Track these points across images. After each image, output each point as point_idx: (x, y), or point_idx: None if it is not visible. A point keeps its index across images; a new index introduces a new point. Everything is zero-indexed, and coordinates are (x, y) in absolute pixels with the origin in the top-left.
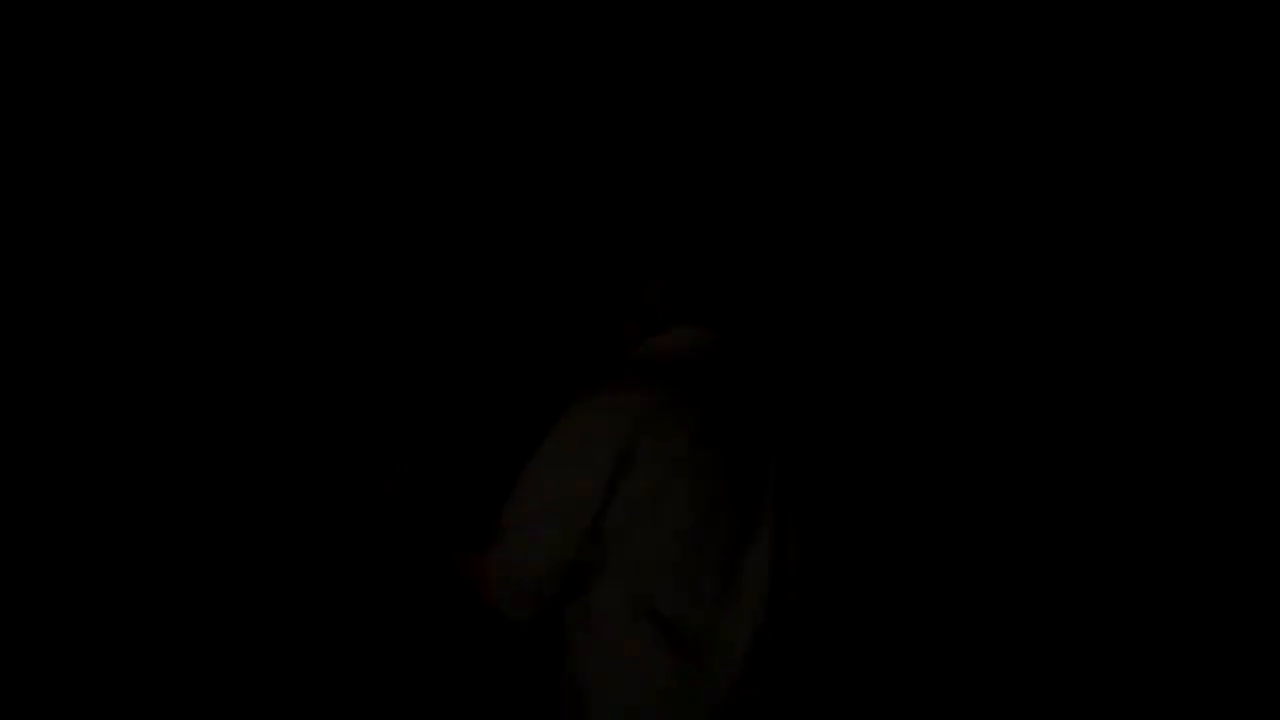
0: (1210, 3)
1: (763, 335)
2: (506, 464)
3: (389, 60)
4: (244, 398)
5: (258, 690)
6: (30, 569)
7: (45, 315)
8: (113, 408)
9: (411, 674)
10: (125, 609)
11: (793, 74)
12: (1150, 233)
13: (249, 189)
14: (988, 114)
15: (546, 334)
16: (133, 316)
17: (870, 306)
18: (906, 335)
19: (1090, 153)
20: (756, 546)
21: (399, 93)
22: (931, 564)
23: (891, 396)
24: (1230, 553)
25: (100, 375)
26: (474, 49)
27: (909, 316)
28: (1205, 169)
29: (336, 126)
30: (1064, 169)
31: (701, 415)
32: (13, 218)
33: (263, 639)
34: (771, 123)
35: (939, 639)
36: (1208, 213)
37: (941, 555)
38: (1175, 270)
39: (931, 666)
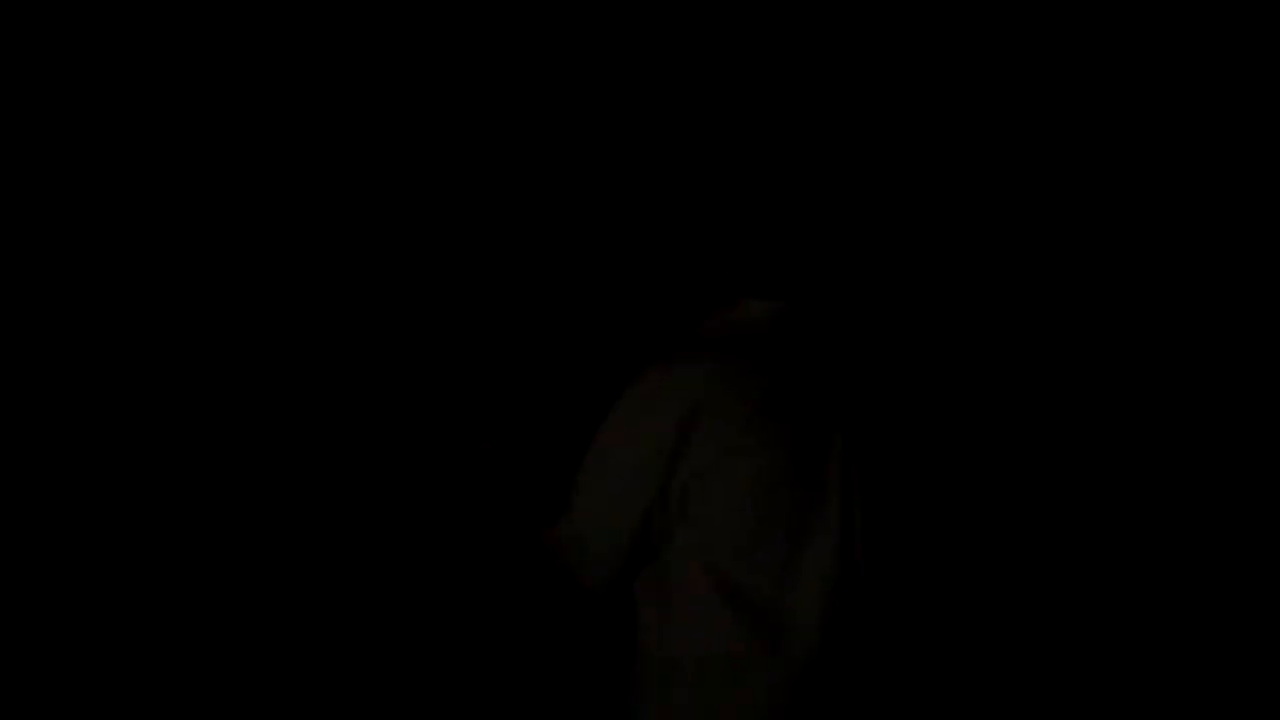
0: (1210, 3)
1: (835, 307)
2: (579, 437)
3: (400, 59)
4: (293, 393)
5: (263, 690)
6: (50, 568)
7: (49, 315)
8: (128, 407)
9: (419, 673)
10: (136, 608)
11: (853, 46)
12: (1157, 232)
13: (281, 185)
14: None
15: (619, 312)
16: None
17: (942, 281)
18: (981, 313)
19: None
20: (822, 523)
21: (428, 90)
22: (1000, 550)
23: (963, 374)
24: (1231, 553)
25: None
26: (502, 38)
27: (984, 295)
28: (1206, 169)
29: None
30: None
31: (765, 388)
32: (13, 218)
33: (271, 638)
34: (837, 93)
35: (1010, 626)
36: (1209, 213)
37: (1011, 541)
38: (1178, 270)
39: (1004, 655)
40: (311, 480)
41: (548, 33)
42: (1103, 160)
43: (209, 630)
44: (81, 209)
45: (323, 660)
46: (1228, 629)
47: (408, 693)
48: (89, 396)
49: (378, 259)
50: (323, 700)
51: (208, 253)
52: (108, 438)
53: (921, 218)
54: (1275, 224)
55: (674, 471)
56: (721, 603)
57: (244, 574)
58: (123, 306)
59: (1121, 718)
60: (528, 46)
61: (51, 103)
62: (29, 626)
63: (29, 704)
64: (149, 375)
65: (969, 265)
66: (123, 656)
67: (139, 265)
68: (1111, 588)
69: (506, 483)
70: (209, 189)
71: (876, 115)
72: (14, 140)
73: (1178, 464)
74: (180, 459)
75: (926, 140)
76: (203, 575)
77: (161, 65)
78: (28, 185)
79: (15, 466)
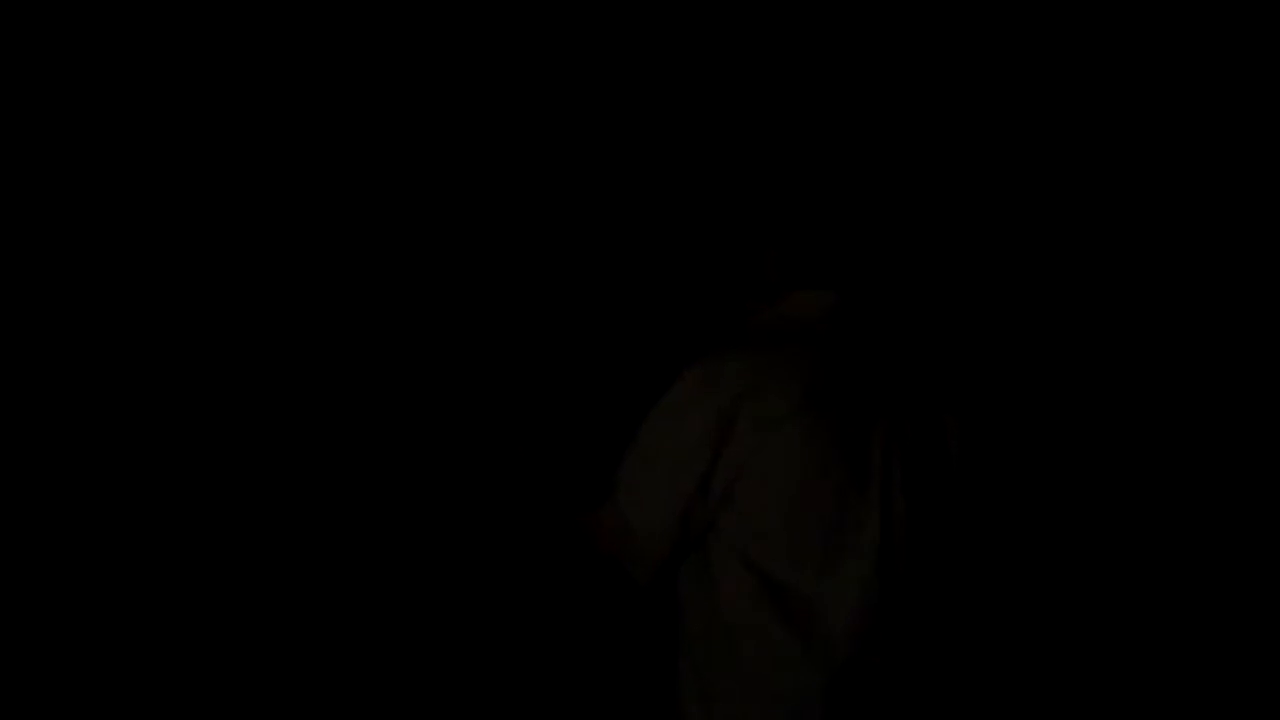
0: (1210, 3)
1: (883, 298)
2: (617, 427)
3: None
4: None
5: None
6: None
7: (50, 315)
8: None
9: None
10: (135, 608)
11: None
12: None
13: (283, 185)
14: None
15: (668, 305)
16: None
17: (995, 275)
18: (1026, 310)
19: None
20: (863, 518)
21: (438, 89)
22: (1045, 550)
23: (1015, 371)
24: (1231, 553)
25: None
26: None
27: (1032, 291)
28: (1206, 169)
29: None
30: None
31: (809, 380)
32: (13, 218)
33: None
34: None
35: (1052, 625)
36: (1209, 213)
37: (1054, 540)
38: (1179, 270)
39: (1045, 651)
40: (314, 479)
41: (583, 25)
42: (1106, 157)
43: (208, 630)
44: (82, 209)
45: (323, 660)
46: (1233, 629)
47: (413, 692)
48: (89, 396)
49: (393, 254)
50: (323, 700)
51: (208, 252)
52: (108, 438)
53: (957, 210)
54: (1275, 224)
55: (717, 463)
56: (762, 595)
57: (244, 573)
58: (123, 306)
59: (1127, 712)
60: (559, 39)
61: (52, 103)
62: (29, 626)
63: (29, 704)
64: (149, 375)
65: (999, 257)
66: (123, 656)
67: (139, 265)
68: (1120, 583)
69: (541, 472)
70: (209, 189)
71: (912, 110)
72: (14, 140)
73: (1181, 463)
74: (180, 458)
75: (954, 136)
76: (203, 575)
77: (162, 65)
78: (28, 185)
79: (15, 467)
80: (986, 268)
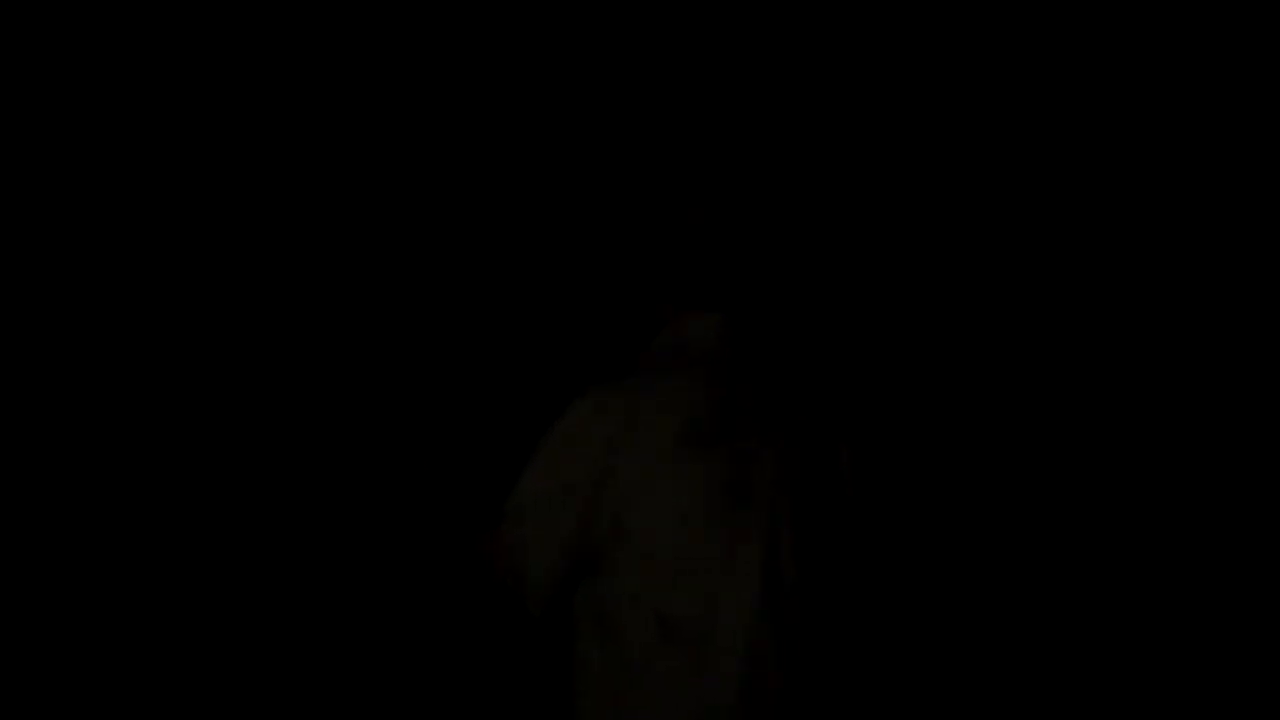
0: (1210, 3)
1: (774, 321)
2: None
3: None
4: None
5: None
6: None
7: (49, 315)
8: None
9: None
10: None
11: (789, 56)
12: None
13: (263, 187)
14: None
15: (573, 325)
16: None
17: (880, 296)
18: (914, 327)
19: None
20: (750, 546)
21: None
22: (937, 562)
23: (900, 389)
24: (1230, 553)
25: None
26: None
27: (919, 308)
28: (1205, 169)
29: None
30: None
31: (694, 410)
32: (13, 218)
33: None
34: (776, 102)
35: (943, 638)
36: (1208, 213)
37: (947, 553)
38: (1176, 270)
39: (936, 666)
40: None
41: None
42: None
43: (206, 630)
44: (80, 209)
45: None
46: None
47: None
48: (86, 397)
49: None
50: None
51: (200, 253)
52: (104, 437)
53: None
54: (1275, 224)
55: (603, 494)
56: (655, 627)
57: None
58: (120, 306)
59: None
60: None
61: (52, 103)
62: (29, 627)
63: (29, 704)
64: (146, 375)
65: (922, 275)
66: (122, 656)
67: (138, 265)
68: (1106, 586)
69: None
70: (207, 189)
71: (811, 125)
72: (14, 140)
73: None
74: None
75: (874, 150)
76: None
77: (161, 65)
78: (28, 185)
79: (15, 466)
80: (889, 285)
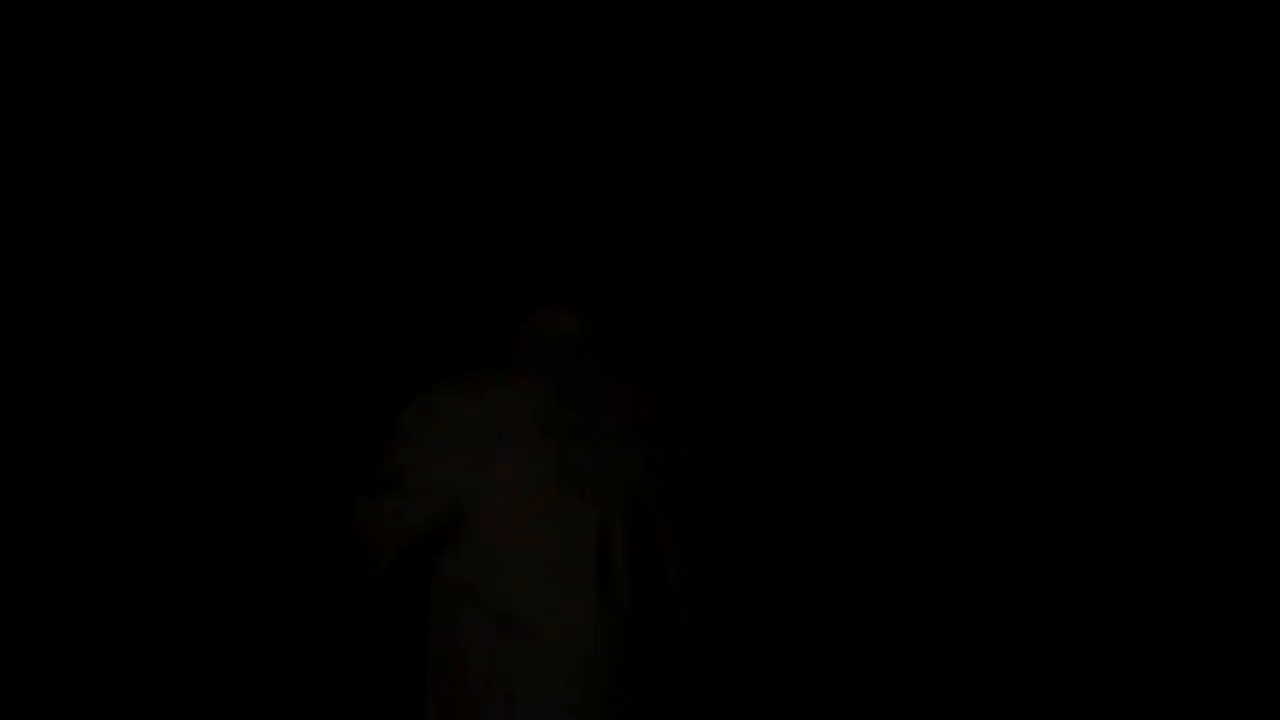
0: (1210, 2)
1: (627, 315)
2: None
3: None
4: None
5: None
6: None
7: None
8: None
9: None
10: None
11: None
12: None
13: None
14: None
15: (428, 317)
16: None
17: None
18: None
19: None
20: (586, 549)
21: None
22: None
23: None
24: (1230, 553)
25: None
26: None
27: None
28: (1205, 169)
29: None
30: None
31: (536, 399)
32: (11, 217)
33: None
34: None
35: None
36: (1208, 213)
37: (928, 554)
38: (1175, 270)
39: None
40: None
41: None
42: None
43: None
44: (77, 209)
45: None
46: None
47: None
48: (76, 397)
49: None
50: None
51: (182, 257)
52: (93, 437)
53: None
54: (1275, 224)
55: (443, 484)
56: (493, 624)
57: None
58: (113, 306)
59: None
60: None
61: (51, 103)
62: (28, 626)
63: (29, 704)
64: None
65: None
66: (121, 656)
67: (132, 265)
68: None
69: (339, 446)
70: (196, 191)
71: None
72: (14, 140)
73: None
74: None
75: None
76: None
77: (159, 65)
78: (26, 185)
79: (13, 466)
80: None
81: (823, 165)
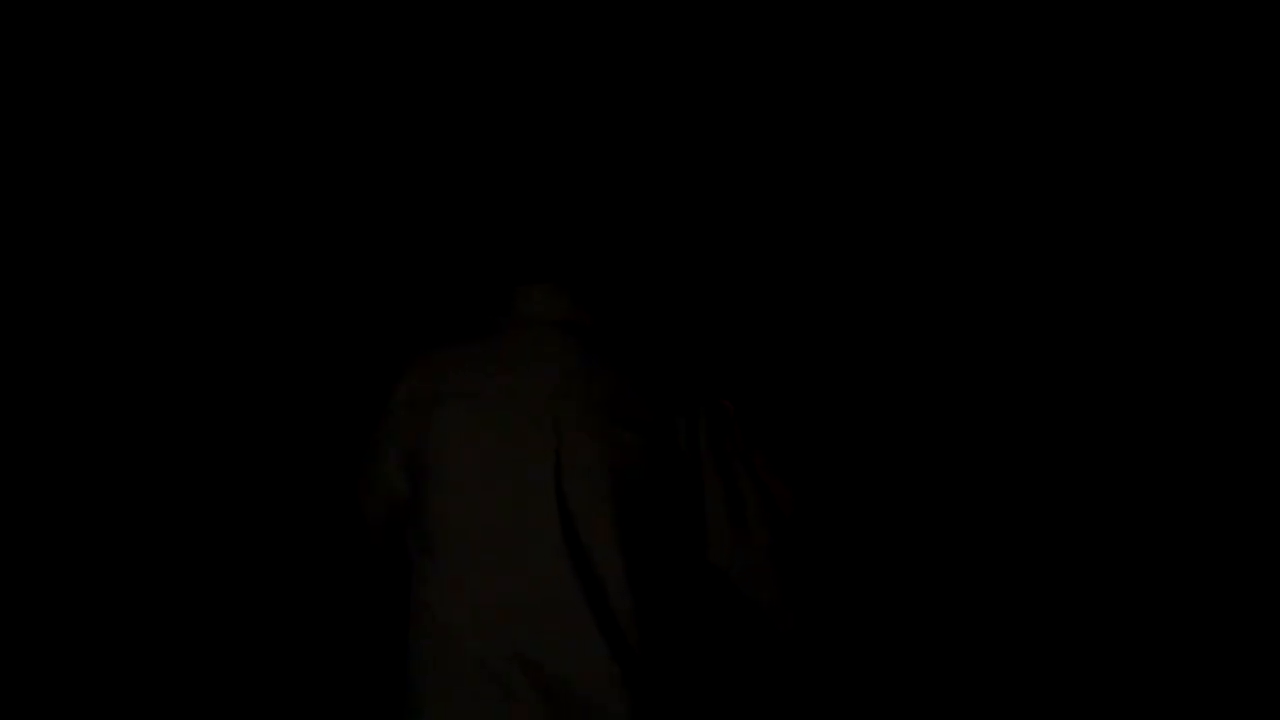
0: (1210, 2)
1: (619, 299)
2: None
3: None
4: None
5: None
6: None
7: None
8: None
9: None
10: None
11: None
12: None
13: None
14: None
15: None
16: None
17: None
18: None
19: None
20: (539, 520)
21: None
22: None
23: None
24: (1230, 553)
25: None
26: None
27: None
28: (1205, 169)
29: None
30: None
31: (498, 385)
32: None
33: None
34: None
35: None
36: (1207, 213)
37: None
38: (1175, 270)
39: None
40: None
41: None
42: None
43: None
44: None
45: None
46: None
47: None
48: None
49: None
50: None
51: (171, 259)
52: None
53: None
54: (1275, 224)
55: (415, 458)
56: (453, 589)
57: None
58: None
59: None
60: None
61: (50, 103)
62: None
63: (28, 704)
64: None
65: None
66: (121, 656)
67: (127, 265)
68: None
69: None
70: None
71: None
72: (14, 140)
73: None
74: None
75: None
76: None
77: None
78: (23, 185)
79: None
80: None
81: (816, 156)
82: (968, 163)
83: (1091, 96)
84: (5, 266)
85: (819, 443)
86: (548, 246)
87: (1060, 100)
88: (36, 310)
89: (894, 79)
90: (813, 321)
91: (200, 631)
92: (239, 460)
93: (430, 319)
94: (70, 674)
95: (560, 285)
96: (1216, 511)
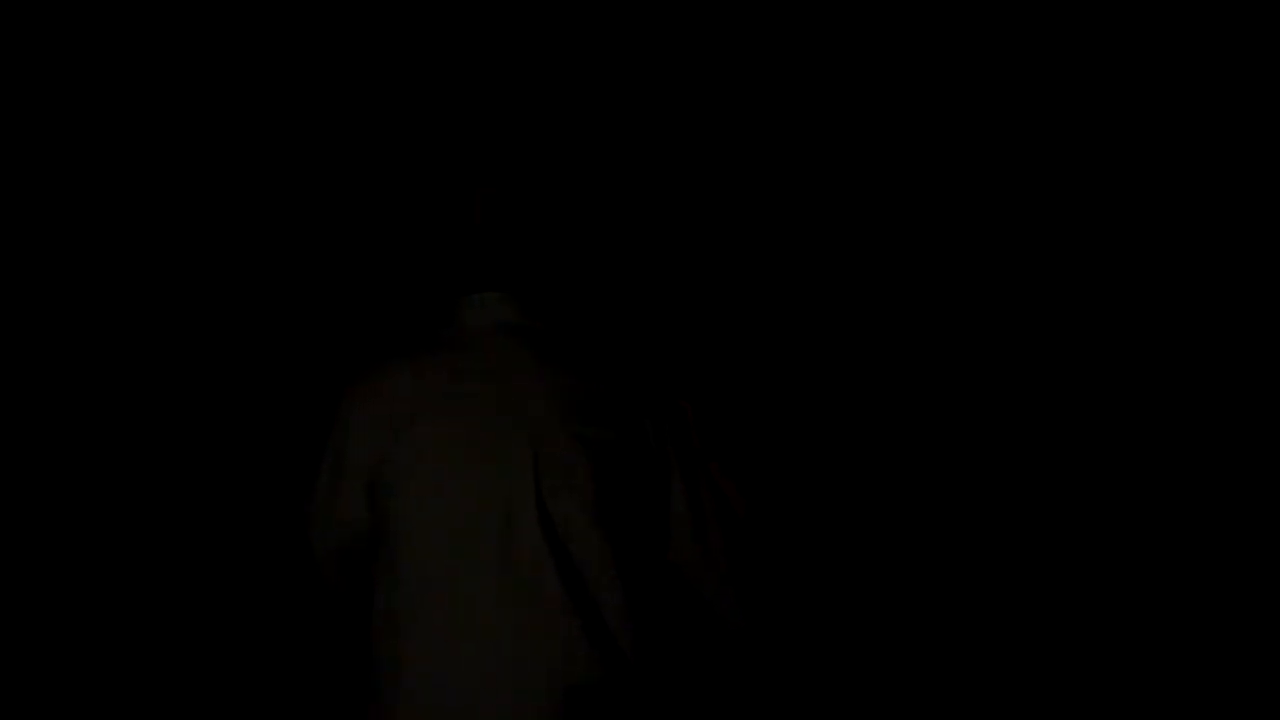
0: (1210, 2)
1: (567, 305)
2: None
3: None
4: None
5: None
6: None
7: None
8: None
9: None
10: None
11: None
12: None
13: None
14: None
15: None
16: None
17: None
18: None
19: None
20: (493, 525)
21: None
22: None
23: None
24: (1230, 553)
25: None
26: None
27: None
28: (1205, 169)
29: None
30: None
31: (456, 389)
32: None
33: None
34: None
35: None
36: (1207, 213)
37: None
38: (1175, 270)
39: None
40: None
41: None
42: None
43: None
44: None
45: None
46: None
47: None
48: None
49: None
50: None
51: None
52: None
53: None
54: (1275, 224)
55: (374, 483)
56: (401, 596)
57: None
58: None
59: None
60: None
61: (42, 103)
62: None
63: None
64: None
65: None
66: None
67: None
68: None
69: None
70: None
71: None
72: (14, 140)
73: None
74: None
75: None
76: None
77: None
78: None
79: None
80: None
81: (764, 160)
82: (924, 162)
83: (1090, 96)
84: None
85: (771, 445)
86: (491, 254)
87: (1060, 100)
88: (22, 313)
89: (852, 76)
90: (764, 324)
91: (190, 633)
92: (205, 463)
93: (367, 332)
94: (64, 674)
95: (507, 293)
96: (1216, 511)
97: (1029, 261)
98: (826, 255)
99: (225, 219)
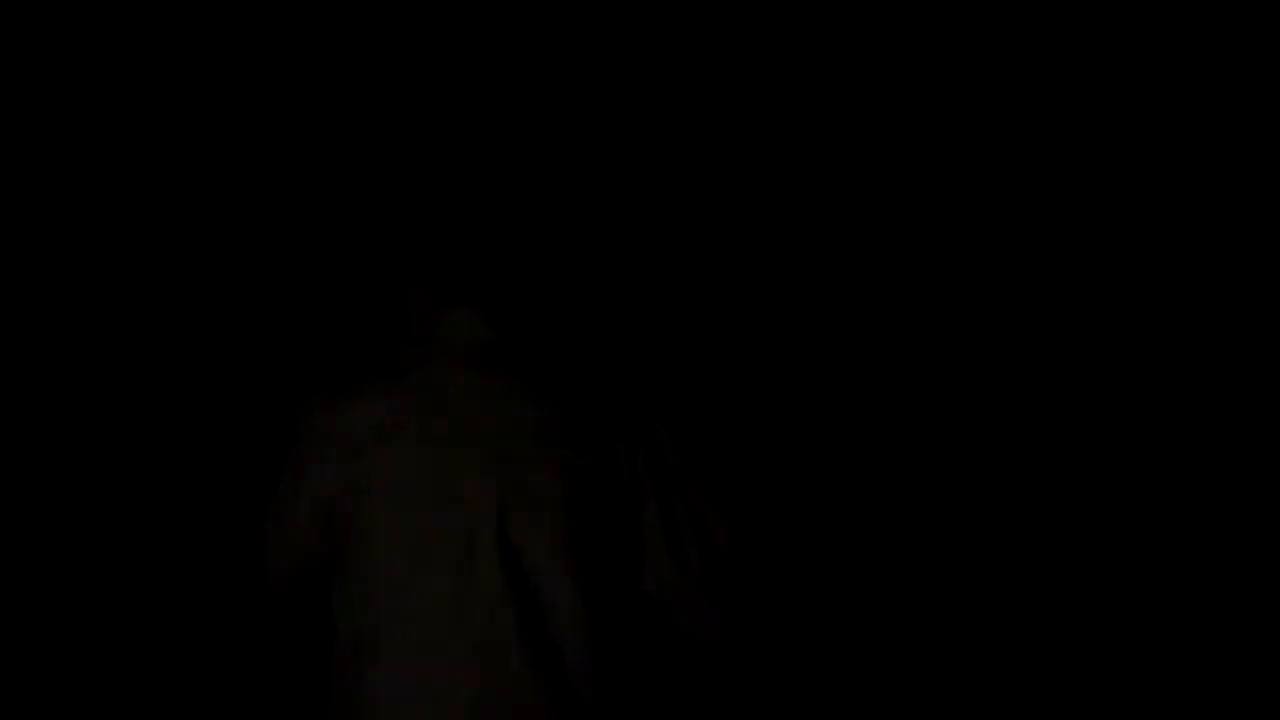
0: (1210, 2)
1: (537, 322)
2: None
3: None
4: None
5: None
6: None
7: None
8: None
9: None
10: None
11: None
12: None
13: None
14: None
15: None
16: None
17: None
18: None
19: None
20: (451, 554)
21: None
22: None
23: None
24: (1230, 553)
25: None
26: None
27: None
28: (1205, 169)
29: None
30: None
31: (418, 415)
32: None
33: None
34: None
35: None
36: (1207, 213)
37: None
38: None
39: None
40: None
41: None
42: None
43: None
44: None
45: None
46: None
47: None
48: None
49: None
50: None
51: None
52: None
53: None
54: (1275, 224)
55: (331, 487)
56: (359, 629)
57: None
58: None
59: None
60: None
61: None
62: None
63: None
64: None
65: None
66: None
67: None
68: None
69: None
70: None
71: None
72: (13, 140)
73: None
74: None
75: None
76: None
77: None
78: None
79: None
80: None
81: (735, 175)
82: (896, 172)
83: (1090, 96)
84: None
85: (749, 469)
86: (463, 268)
87: (1060, 100)
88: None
89: (823, 80)
90: (739, 346)
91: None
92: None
93: (327, 344)
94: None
95: (477, 309)
96: (1216, 512)
97: (1023, 268)
98: (808, 275)
99: (196, 225)
